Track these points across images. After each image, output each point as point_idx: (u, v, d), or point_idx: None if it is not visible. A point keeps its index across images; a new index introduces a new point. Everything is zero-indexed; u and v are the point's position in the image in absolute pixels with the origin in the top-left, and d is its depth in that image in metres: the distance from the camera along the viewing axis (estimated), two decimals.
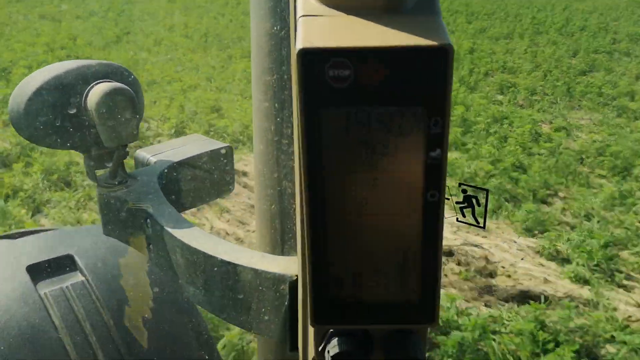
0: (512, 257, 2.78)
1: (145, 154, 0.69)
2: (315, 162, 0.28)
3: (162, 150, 0.69)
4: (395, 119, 0.27)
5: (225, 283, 0.48)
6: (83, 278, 0.76)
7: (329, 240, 0.30)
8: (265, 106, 0.51)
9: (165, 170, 0.65)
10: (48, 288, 0.74)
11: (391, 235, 0.30)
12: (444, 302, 2.20)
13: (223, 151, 0.69)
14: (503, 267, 2.69)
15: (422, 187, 0.29)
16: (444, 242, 2.84)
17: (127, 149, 0.61)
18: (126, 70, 0.60)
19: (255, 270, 0.46)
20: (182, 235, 0.51)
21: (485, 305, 2.40)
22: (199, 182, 0.69)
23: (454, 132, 4.29)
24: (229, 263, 0.47)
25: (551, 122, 4.87)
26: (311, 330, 0.34)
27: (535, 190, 3.44)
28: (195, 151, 0.68)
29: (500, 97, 5.60)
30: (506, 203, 3.29)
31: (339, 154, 0.28)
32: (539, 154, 4.06)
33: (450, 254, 2.78)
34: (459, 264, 2.71)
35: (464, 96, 5.31)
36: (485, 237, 2.95)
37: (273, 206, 0.53)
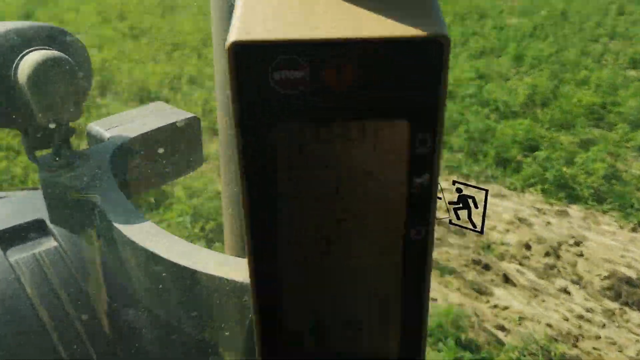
0: None
1: (98, 127, 0.62)
2: (261, 189, 0.22)
3: (118, 122, 0.63)
4: (367, 136, 0.21)
5: (180, 290, 0.43)
6: (56, 244, 0.73)
7: (281, 285, 0.25)
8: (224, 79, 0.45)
9: (121, 148, 0.58)
10: (19, 255, 0.70)
11: (363, 280, 0.25)
12: None
13: (188, 122, 0.63)
14: None
15: (403, 223, 0.23)
16: None
17: (73, 126, 0.54)
18: (67, 34, 0.53)
19: (213, 277, 0.40)
20: (132, 232, 0.46)
21: None
22: (161, 158, 0.62)
23: None
24: (183, 267, 0.41)
25: None
26: None
27: None
28: (156, 123, 0.61)
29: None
30: None
31: (291, 180, 0.22)
32: None
33: None
34: None
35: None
36: None
37: (237, 209, 0.49)
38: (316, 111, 0.21)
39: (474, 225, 0.38)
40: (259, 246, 0.24)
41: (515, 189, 3.40)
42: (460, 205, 0.37)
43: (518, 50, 5.60)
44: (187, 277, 0.41)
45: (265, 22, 0.20)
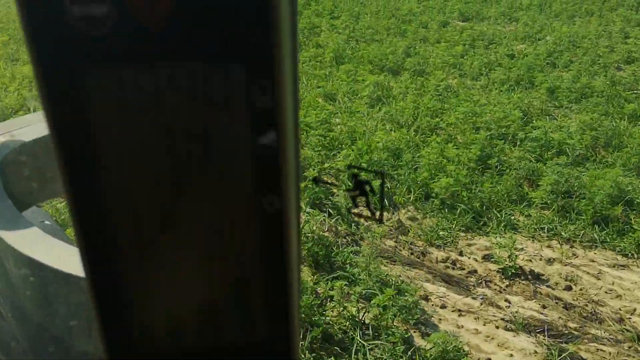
0: None
1: None
2: (77, 154, 0.18)
3: (16, 125, 0.57)
4: (196, 85, 0.17)
5: (71, 301, 0.38)
6: None
7: (119, 274, 0.20)
8: None
9: (12, 153, 0.52)
10: None
11: (215, 261, 0.21)
12: None
13: None
14: None
15: (252, 192, 0.19)
16: None
17: None
18: None
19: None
20: (14, 238, 0.40)
21: None
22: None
23: None
24: (70, 276, 0.36)
25: None
26: None
27: None
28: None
29: None
30: None
31: (111, 142, 0.18)
32: None
33: None
34: None
35: None
36: None
37: None
38: (128, 56, 0.16)
39: (373, 214, 0.35)
40: (87, 227, 0.19)
41: (631, 256, 2.96)
42: (358, 192, 0.34)
43: (547, 81, 5.28)
44: (77, 287, 0.36)
45: None
